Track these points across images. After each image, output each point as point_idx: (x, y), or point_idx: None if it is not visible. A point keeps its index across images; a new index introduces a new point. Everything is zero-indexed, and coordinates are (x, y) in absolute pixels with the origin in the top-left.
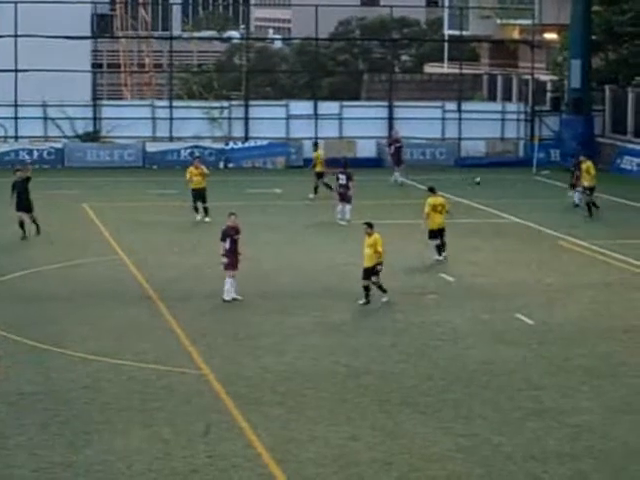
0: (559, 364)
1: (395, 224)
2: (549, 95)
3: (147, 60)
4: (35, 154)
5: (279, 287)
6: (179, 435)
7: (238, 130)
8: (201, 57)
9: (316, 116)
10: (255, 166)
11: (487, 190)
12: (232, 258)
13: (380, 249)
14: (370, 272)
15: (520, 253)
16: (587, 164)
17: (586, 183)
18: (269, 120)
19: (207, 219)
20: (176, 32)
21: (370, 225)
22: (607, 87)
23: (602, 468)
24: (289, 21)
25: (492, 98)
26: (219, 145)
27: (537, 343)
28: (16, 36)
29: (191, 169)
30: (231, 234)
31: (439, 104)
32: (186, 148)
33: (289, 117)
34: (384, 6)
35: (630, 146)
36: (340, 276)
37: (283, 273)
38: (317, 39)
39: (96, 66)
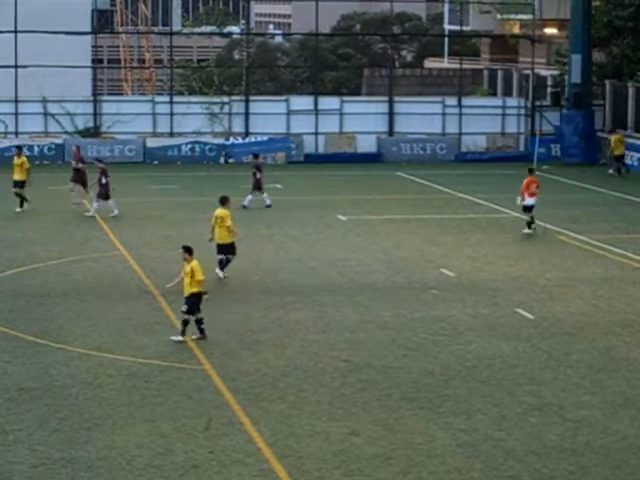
0: (559, 359)
1: (394, 219)
2: (549, 90)
3: (147, 56)
4: (35, 150)
5: (279, 282)
6: (180, 430)
7: (238, 125)
8: (201, 52)
9: (316, 111)
10: None
11: (487, 185)
12: None
13: (200, 277)
14: (192, 302)
15: (520, 248)
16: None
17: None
18: (269, 115)
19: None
20: (176, 27)
21: (188, 250)
22: (607, 82)
23: (603, 463)
24: (289, 16)
25: (492, 93)
26: (219, 140)
27: (537, 338)
28: (16, 32)
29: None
30: None
31: (439, 99)
32: (186, 143)
33: (289, 112)
34: (385, 0)
35: (630, 141)
36: (340, 271)
37: (283, 268)
38: (317, 34)
39: (96, 62)
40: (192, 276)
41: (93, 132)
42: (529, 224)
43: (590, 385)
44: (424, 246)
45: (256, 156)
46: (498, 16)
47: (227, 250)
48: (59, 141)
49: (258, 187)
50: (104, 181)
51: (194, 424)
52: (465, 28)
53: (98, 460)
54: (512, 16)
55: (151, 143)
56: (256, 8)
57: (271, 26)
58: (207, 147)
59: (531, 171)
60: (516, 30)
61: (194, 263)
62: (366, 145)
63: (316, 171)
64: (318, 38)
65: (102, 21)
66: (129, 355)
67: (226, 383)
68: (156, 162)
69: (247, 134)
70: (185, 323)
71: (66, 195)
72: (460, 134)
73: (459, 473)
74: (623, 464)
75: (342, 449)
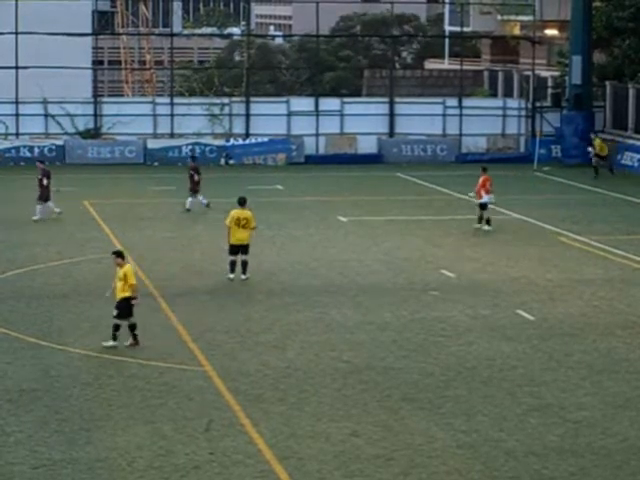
0: (560, 360)
1: (395, 220)
2: (550, 91)
3: (148, 57)
4: (36, 151)
5: (280, 283)
6: (180, 432)
7: (239, 127)
8: (202, 54)
9: (317, 112)
10: (256, 163)
11: None
12: None
13: (133, 281)
14: (123, 307)
15: (521, 249)
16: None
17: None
18: (270, 117)
19: None
20: (177, 29)
21: (120, 255)
22: (608, 83)
23: (603, 464)
24: (290, 17)
25: (493, 94)
26: (220, 142)
27: (538, 339)
28: (17, 33)
29: None
30: None
31: (440, 100)
32: (187, 145)
33: (290, 113)
34: (385, 2)
35: (631, 142)
36: (341, 272)
37: (284, 269)
38: (318, 36)
39: (97, 63)
40: (125, 281)
41: (93, 133)
42: (481, 219)
43: (590, 386)
44: (424, 247)
45: (194, 158)
46: (499, 17)
47: (243, 251)
48: (59, 142)
49: (195, 189)
50: (45, 183)
51: (195, 425)
52: (465, 29)
53: (99, 461)
54: (513, 17)
55: (152, 144)
56: (256, 9)
57: (272, 27)
58: (207, 148)
59: (485, 170)
60: (517, 31)
61: (127, 267)
62: (367, 146)
63: (317, 172)
64: (318, 39)
65: (103, 22)
66: (130, 356)
67: (227, 384)
68: (156, 163)
69: (247, 135)
70: (116, 328)
71: (67, 196)
72: (461, 135)
73: (459, 474)
74: (623, 465)
75: (343, 450)
